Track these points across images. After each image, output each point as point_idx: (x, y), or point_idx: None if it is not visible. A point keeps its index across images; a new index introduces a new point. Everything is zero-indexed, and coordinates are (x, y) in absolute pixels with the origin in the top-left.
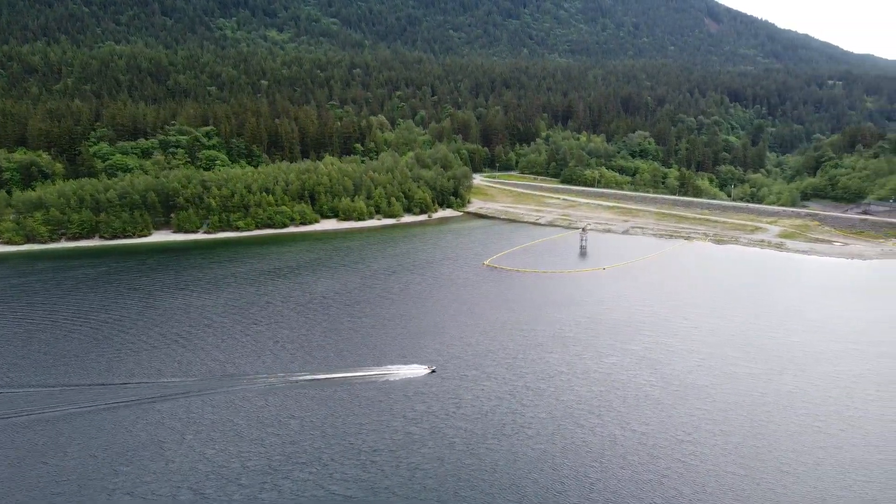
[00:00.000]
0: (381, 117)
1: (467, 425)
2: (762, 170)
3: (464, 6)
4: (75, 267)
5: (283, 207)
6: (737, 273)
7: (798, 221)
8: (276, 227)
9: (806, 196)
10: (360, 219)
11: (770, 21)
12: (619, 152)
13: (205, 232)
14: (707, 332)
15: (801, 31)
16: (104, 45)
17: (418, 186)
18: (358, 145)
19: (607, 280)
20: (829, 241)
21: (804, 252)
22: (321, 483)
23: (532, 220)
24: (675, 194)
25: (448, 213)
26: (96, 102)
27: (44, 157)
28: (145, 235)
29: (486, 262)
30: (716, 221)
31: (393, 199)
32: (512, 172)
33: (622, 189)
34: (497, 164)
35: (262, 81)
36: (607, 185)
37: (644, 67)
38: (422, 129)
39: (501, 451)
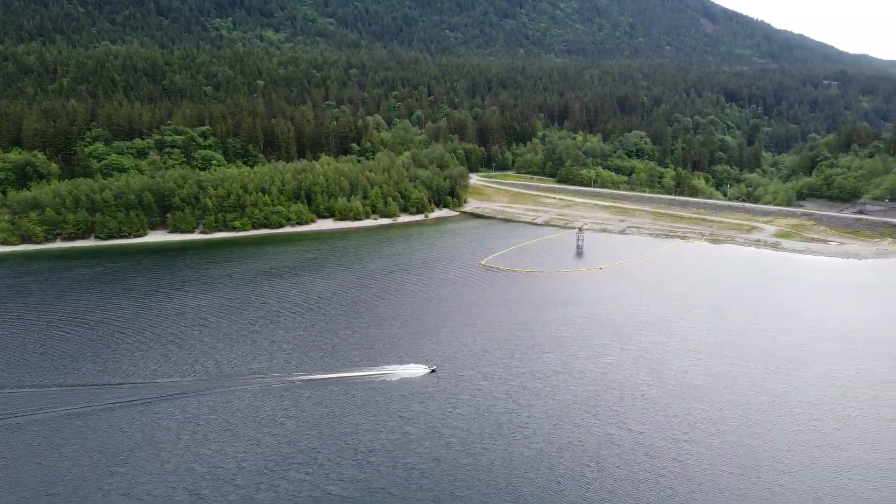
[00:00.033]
0: (378, 117)
1: (464, 425)
2: (758, 169)
3: (460, 6)
4: (71, 267)
5: (280, 207)
6: (733, 273)
7: (794, 221)
8: (272, 228)
9: (802, 196)
10: (356, 219)
11: (766, 21)
12: (615, 152)
13: (201, 232)
14: (703, 331)
15: (796, 31)
16: (100, 44)
17: (415, 186)
18: (354, 145)
19: (604, 280)
20: (825, 241)
21: (800, 252)
22: (317, 483)
23: (528, 220)
24: (671, 194)
25: (444, 212)
26: (92, 102)
27: (39, 157)
28: (141, 236)
29: (483, 262)
30: (712, 221)
31: (389, 199)
32: (508, 172)
33: (618, 189)
34: (493, 164)
35: (259, 81)
36: (604, 185)
37: (640, 67)
38: (418, 128)
39: (498, 450)
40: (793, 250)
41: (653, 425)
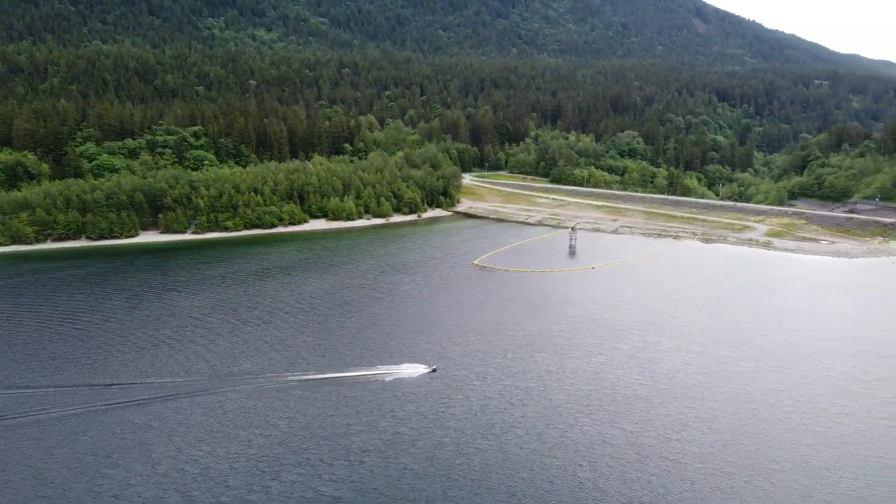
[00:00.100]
0: (370, 117)
1: (457, 425)
2: (750, 169)
3: (453, 6)
4: (62, 268)
5: (272, 207)
6: (725, 272)
7: (785, 220)
8: (264, 228)
9: (793, 195)
10: (349, 219)
11: (757, 21)
12: (607, 152)
13: (193, 232)
14: (696, 330)
15: (787, 31)
16: (91, 44)
17: (407, 186)
18: (347, 145)
19: (597, 279)
20: (816, 240)
21: (791, 251)
22: (310, 484)
23: (521, 220)
24: (663, 193)
25: (437, 212)
26: (83, 102)
27: (29, 158)
28: (132, 236)
29: (476, 262)
30: (704, 220)
31: (382, 199)
32: (501, 172)
33: (611, 188)
34: (486, 164)
35: (251, 81)
36: (596, 185)
37: (633, 67)
38: (411, 128)
39: (491, 450)
40: (784, 249)
41: (645, 424)
